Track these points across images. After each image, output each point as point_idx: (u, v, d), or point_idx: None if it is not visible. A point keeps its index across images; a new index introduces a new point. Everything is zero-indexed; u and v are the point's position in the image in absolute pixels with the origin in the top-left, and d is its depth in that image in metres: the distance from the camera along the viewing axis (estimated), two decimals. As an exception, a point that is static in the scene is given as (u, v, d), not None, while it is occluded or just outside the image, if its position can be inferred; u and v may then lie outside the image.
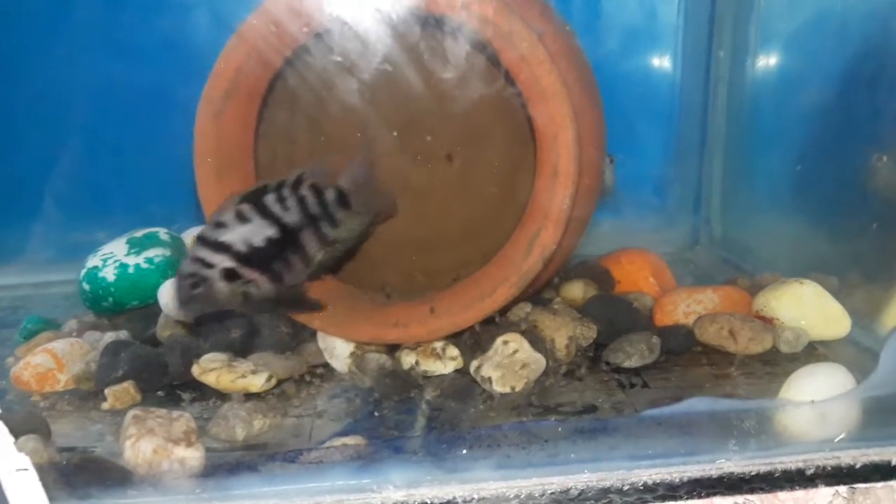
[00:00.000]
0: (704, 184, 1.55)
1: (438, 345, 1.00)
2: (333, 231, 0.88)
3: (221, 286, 0.82)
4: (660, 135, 1.56)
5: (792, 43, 1.38)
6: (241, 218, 0.83)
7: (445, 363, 0.99)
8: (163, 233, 1.25)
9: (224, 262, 0.82)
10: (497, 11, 0.88)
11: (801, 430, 0.85)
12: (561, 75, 0.90)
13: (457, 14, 0.89)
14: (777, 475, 0.75)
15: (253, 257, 0.83)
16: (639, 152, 1.53)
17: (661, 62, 1.52)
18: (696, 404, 0.85)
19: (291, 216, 0.85)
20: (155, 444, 0.77)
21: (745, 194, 1.48)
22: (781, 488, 0.75)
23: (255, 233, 0.83)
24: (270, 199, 0.84)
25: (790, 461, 0.76)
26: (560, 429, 0.81)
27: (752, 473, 0.75)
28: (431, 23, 0.95)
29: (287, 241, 0.85)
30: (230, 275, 0.82)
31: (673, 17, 1.50)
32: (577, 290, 1.16)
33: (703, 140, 1.54)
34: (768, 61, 1.41)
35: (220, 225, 0.82)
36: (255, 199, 0.84)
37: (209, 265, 0.82)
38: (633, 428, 0.83)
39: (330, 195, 0.88)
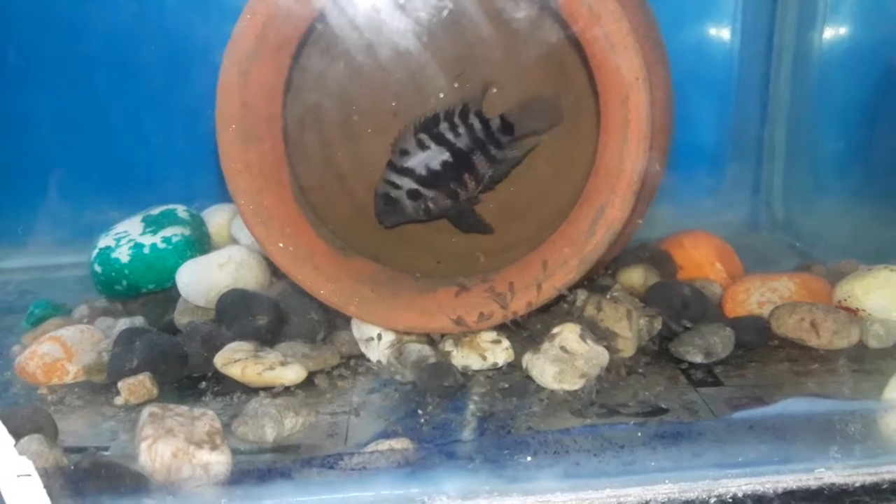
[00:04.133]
0: (765, 163, 1.44)
1: (487, 335, 0.91)
2: (499, 153, 0.99)
3: (407, 203, 0.97)
4: (716, 109, 1.46)
5: (866, 8, 1.26)
6: (421, 145, 0.96)
7: (495, 356, 0.90)
8: (181, 210, 1.16)
9: (409, 184, 0.96)
10: (561, -45, 0.78)
11: (914, 436, 0.74)
12: (632, 28, 0.79)
13: (516, -42, 0.78)
14: (884, 486, 0.67)
15: (431, 179, 0.97)
16: (692, 128, 1.42)
17: (719, 30, 1.41)
18: (793, 406, 0.75)
19: (462, 142, 0.97)
20: (175, 447, 0.68)
21: (812, 174, 1.37)
22: (889, 501, 0.67)
23: (433, 158, 0.96)
24: (444, 127, 0.96)
25: (900, 471, 0.67)
26: (639, 433, 0.71)
27: (856, 484, 0.67)
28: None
29: (459, 163, 0.98)
30: (413, 194, 0.97)
31: (733, -20, 1.39)
32: (636, 276, 1.05)
33: (763, 115, 1.43)
34: (839, 29, 1.30)
35: (403, 153, 0.96)
36: (431, 127, 0.96)
37: (397, 187, 0.96)
38: (720, 432, 0.74)
39: (494, 123, 0.98)
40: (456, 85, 0.96)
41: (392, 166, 0.96)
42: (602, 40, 0.79)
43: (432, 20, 0.91)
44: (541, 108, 0.99)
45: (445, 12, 0.90)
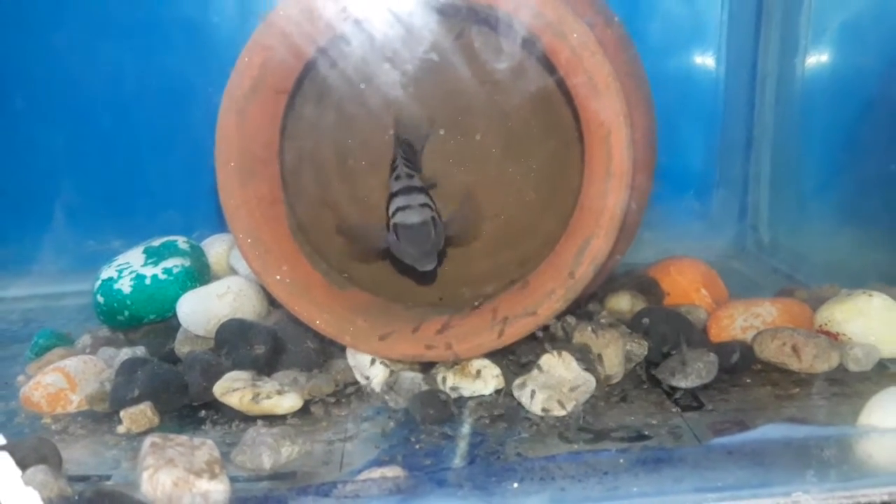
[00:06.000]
0: (751, 187, 1.47)
1: (477, 363, 0.93)
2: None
3: (440, 225, 0.87)
4: (702, 135, 1.49)
5: (847, 36, 1.30)
6: (409, 167, 0.90)
7: (486, 383, 0.92)
8: (182, 241, 1.19)
9: (432, 203, 0.87)
10: (545, 0, 0.81)
11: (888, 460, 0.76)
12: (614, 70, 0.82)
13: (502, 4, 0.81)
14: (859, 509, 0.68)
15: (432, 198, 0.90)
16: (680, 154, 1.45)
17: (704, 58, 1.45)
18: (770, 431, 0.78)
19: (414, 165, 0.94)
20: (175, 476, 0.70)
21: (796, 198, 1.40)
22: (864, 524, 0.68)
23: (418, 178, 0.90)
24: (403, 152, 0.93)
25: (875, 494, 0.69)
26: (621, 460, 0.73)
27: (833, 508, 0.68)
28: (475, 14, 0.88)
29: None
30: (439, 214, 0.88)
31: (717, 10, 1.43)
32: (624, 303, 1.08)
33: (748, 141, 1.46)
34: (821, 56, 1.33)
35: (410, 175, 0.89)
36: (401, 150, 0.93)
37: (431, 207, 0.87)
38: (700, 458, 0.76)
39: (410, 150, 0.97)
40: (442, 132, 0.99)
41: (412, 188, 0.87)
42: (585, 82, 0.82)
43: (425, 59, 0.94)
44: (413, 125, 0.98)
45: (435, 54, 0.94)
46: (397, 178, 0.90)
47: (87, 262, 1.21)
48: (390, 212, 0.88)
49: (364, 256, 0.97)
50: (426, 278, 0.93)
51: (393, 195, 0.89)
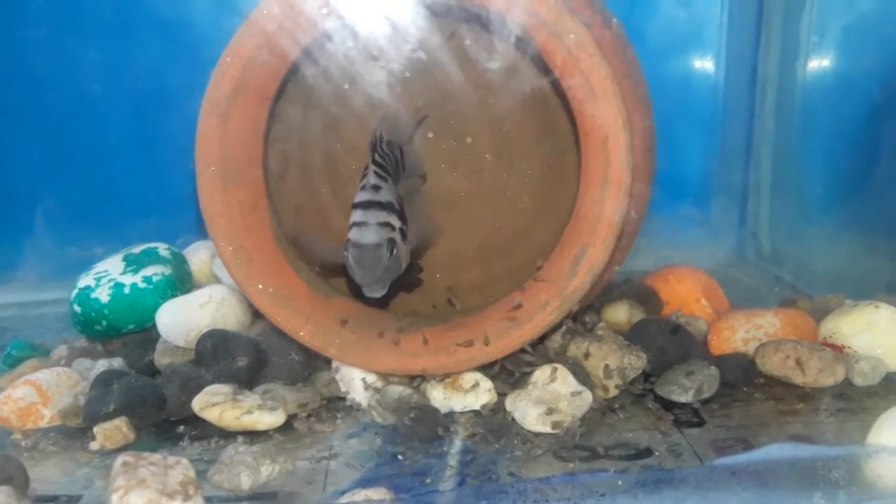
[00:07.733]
0: (751, 194, 1.45)
1: (469, 376, 0.90)
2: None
3: (402, 247, 0.80)
4: (701, 141, 1.46)
5: (849, 39, 1.28)
6: (381, 176, 0.81)
7: (477, 397, 0.89)
8: (163, 248, 1.15)
9: (397, 221, 0.80)
10: (540, 0, 0.78)
11: (899, 481, 0.73)
12: (612, 72, 0.79)
13: (495, 2, 0.78)
14: (869, 534, 0.65)
15: (402, 213, 0.82)
16: (678, 160, 1.42)
17: (703, 62, 1.43)
18: (776, 451, 0.74)
19: (393, 171, 0.85)
20: (147, 498, 0.66)
21: (798, 205, 1.37)
22: (873, 548, 0.65)
23: (392, 189, 0.82)
24: (379, 157, 0.84)
25: (885, 517, 0.66)
26: (619, 481, 0.69)
27: (841, 532, 0.65)
28: (467, 13, 0.85)
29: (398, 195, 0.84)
30: (403, 234, 0.81)
31: (716, 13, 1.40)
32: (621, 313, 1.05)
33: (748, 146, 1.43)
34: (822, 61, 1.31)
35: (377, 187, 0.80)
36: (374, 156, 0.83)
37: (393, 226, 0.79)
38: (702, 478, 0.72)
39: (398, 152, 0.90)
40: (430, 135, 0.96)
41: (372, 203, 0.79)
42: (581, 84, 0.79)
43: (414, 59, 0.91)
44: (398, 123, 0.92)
45: (425, 55, 0.90)
46: (363, 187, 0.81)
47: (68, 270, 1.17)
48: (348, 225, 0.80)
49: (323, 271, 0.92)
50: (376, 302, 0.87)
51: (353, 207, 0.80)
